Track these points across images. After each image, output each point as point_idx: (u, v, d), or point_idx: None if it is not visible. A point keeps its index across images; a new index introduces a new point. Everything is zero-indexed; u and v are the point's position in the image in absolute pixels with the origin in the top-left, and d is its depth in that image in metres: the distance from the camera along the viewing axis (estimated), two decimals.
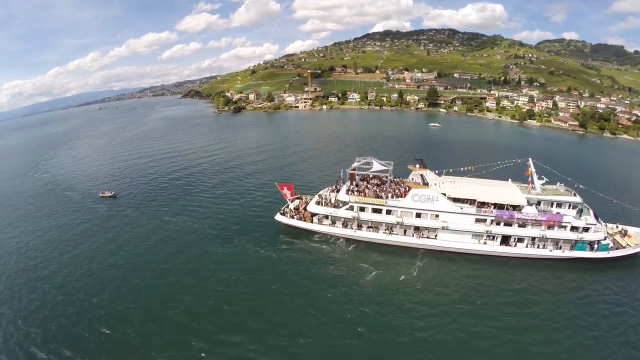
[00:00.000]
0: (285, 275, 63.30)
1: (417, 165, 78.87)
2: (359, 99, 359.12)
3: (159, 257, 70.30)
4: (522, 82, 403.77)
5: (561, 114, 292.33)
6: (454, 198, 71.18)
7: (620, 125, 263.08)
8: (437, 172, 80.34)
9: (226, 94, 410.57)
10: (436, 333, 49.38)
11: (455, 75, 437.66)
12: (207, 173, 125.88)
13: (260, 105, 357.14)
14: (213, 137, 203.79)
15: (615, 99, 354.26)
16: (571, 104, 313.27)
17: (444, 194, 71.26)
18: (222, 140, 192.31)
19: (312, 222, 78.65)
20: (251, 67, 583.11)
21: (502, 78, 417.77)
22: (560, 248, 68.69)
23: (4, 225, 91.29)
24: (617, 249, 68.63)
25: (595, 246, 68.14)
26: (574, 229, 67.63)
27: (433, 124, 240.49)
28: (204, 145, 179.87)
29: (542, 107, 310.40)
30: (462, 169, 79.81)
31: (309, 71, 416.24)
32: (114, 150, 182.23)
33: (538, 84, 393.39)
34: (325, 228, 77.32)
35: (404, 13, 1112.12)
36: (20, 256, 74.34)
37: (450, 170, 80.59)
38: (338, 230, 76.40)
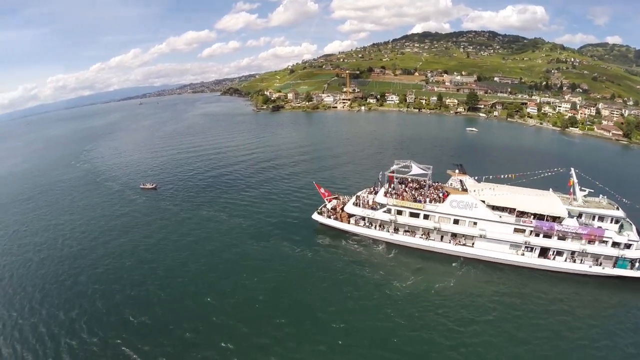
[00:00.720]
0: (318, 276, 63.79)
1: (457, 171, 78.55)
2: (398, 101, 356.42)
3: (196, 251, 72.28)
4: (564, 88, 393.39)
5: (604, 122, 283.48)
6: (493, 206, 70.11)
7: None
8: (476, 178, 79.72)
9: (265, 93, 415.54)
10: (469, 351, 48.30)
11: (496, 79, 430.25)
12: (245, 170, 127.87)
13: (299, 105, 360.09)
14: (252, 135, 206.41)
15: None
16: (615, 112, 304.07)
17: (483, 201, 70.27)
18: (260, 139, 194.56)
19: (348, 223, 79.07)
20: (290, 67, 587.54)
21: (544, 83, 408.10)
22: (600, 264, 65.63)
23: (48, 212, 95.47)
24: None
25: (637, 264, 64.91)
26: (615, 244, 64.72)
27: (470, 129, 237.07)
28: (242, 142, 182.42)
29: (585, 114, 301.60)
30: (502, 176, 79.22)
31: (347, 72, 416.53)
32: (154, 144, 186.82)
33: (580, 90, 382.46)
34: (361, 230, 77.69)
35: (442, 14, 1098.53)
36: (64, 243, 78.30)
37: (490, 177, 79.82)
38: (374, 232, 76.66)
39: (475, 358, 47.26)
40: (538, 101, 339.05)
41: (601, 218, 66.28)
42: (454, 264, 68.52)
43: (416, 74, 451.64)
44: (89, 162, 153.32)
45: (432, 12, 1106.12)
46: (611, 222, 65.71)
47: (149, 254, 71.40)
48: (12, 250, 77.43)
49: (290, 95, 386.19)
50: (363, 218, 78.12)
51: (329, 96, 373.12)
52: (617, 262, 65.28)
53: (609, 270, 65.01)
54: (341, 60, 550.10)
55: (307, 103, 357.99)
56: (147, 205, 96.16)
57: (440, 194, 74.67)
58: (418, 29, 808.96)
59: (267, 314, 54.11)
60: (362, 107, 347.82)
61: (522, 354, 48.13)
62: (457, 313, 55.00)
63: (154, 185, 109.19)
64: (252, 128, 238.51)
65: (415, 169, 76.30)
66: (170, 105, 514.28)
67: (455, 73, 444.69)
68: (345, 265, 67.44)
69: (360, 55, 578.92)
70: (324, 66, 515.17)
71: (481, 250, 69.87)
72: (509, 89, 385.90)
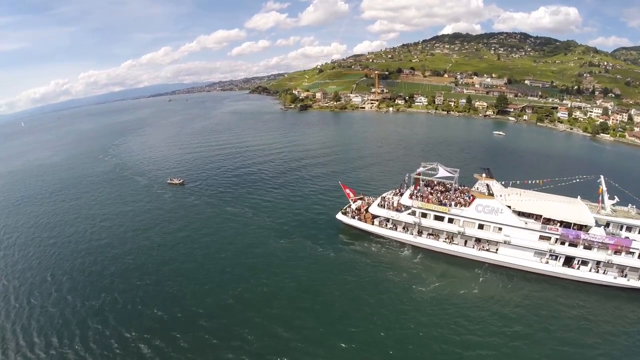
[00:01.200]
0: (339, 277, 64.26)
1: (484, 175, 77.99)
2: (426, 103, 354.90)
3: (220, 248, 73.77)
4: (596, 93, 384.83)
5: (637, 129, 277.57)
6: (519, 212, 69.45)
7: None
8: (503, 183, 79.03)
9: (293, 92, 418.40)
10: (485, 357, 48.30)
11: (526, 82, 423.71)
12: (272, 168, 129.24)
13: (327, 104, 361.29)
14: (279, 134, 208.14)
15: None
16: None
17: (509, 207, 69.70)
18: (287, 137, 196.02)
19: (372, 224, 79.46)
20: (318, 66, 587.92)
21: (575, 87, 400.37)
22: (626, 276, 64.56)
23: (77, 205, 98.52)
24: None
25: None
26: None
27: (497, 132, 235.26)
28: (269, 141, 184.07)
29: (617, 120, 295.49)
30: (529, 181, 78.56)
31: (376, 72, 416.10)
32: (182, 140, 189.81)
33: (613, 95, 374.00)
34: (385, 231, 77.99)
35: (473, 15, 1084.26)
36: (93, 235, 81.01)
37: (517, 182, 78.93)
38: (398, 234, 76.90)
39: None
40: (569, 106, 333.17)
41: (629, 228, 64.69)
42: (477, 270, 68.18)
43: (445, 75, 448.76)
44: (117, 156, 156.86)
45: (462, 13, 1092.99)
46: (639, 233, 64.24)
47: (174, 250, 73.15)
48: (42, 241, 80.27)
49: (318, 95, 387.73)
50: (387, 220, 78.41)
51: (357, 96, 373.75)
52: None
53: (634, 282, 63.76)
54: (370, 60, 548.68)
55: (335, 103, 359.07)
56: (174, 200, 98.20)
57: (466, 198, 74.52)
58: (448, 29, 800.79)
59: (287, 313, 54.92)
60: (390, 108, 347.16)
61: None
62: (478, 322, 54.75)
63: (181, 181, 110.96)
64: (279, 127, 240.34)
65: (442, 172, 76.02)
66: (198, 103, 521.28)
67: (485, 75, 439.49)
68: (367, 267, 67.85)
69: (389, 56, 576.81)
70: (352, 66, 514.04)
71: (505, 256, 69.38)
72: (540, 93, 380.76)
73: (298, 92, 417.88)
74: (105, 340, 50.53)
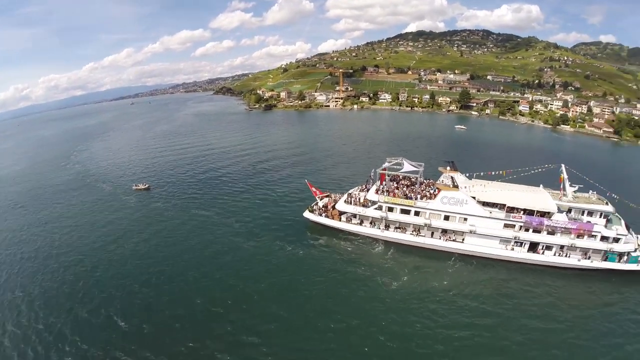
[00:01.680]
0: (310, 275, 63.55)
1: (448, 168, 78.77)
2: (390, 100, 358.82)
3: (187, 253, 71.61)
4: (557, 86, 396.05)
5: (596, 119, 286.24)
6: (484, 202, 70.66)
7: None
8: (467, 175, 79.94)
9: (257, 92, 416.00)
10: (458, 348, 48.37)
11: (489, 77, 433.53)
12: (237, 169, 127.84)
13: (291, 104, 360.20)
14: (244, 134, 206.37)
15: None
16: (606, 110, 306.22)
17: (474, 198, 70.79)
18: (253, 138, 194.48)
19: (340, 220, 79.29)
20: (283, 66, 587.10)
21: (536, 81, 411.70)
22: (589, 258, 67.04)
23: (39, 218, 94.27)
24: None
25: (625, 258, 66.16)
26: (604, 238, 65.85)
27: (459, 127, 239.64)
28: (235, 141, 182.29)
29: (576, 112, 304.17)
30: (493, 172, 79.29)
31: (340, 70, 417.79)
32: (146, 144, 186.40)
33: (573, 88, 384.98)
34: (352, 227, 77.87)
35: (437, 13, 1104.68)
36: (53, 244, 77.55)
37: (481, 173, 79.67)
38: (365, 229, 76.87)
39: (464, 351, 47.51)
40: (530, 99, 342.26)
41: (590, 213, 66.97)
42: (447, 262, 68.78)
43: (409, 72, 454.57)
44: (80, 163, 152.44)
45: (427, 11, 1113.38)
46: (600, 217, 66.44)
47: (142, 259, 70.39)
48: (2, 259, 75.26)
49: (282, 94, 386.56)
50: (354, 215, 78.27)
51: (321, 95, 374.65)
52: (606, 255, 66.43)
53: (597, 263, 66.32)
54: (335, 59, 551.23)
55: (299, 102, 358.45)
56: (140, 206, 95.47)
57: (432, 191, 75.06)
58: (412, 27, 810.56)
59: (258, 314, 53.84)
60: (355, 106, 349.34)
61: (515, 353, 48.36)
62: (450, 312, 55.04)
63: (147, 186, 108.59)
64: (244, 127, 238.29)
65: (407, 166, 76.35)
66: (162, 105, 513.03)
67: (448, 71, 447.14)
68: (337, 263, 67.38)
69: (354, 54, 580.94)
70: (317, 65, 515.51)
71: (471, 245, 70.62)
72: (502, 87, 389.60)
73: (262, 92, 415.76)
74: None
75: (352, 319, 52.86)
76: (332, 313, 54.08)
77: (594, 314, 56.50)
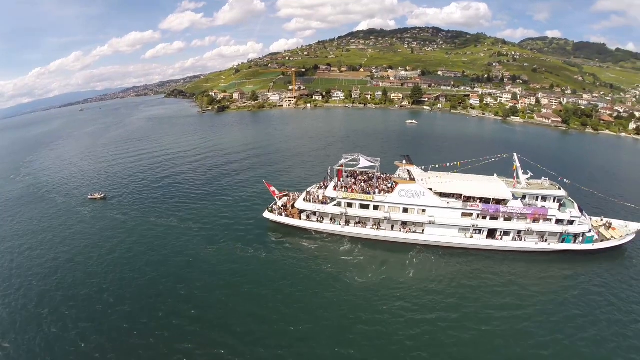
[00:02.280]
0: (273, 276, 62.38)
1: (404, 162, 79.59)
2: (343, 97, 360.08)
3: (146, 261, 68.70)
4: (506, 80, 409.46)
5: (544, 110, 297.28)
6: (441, 193, 71.73)
7: (602, 121, 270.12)
8: (423, 167, 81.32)
9: (210, 94, 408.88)
10: (430, 341, 48.46)
11: (439, 73, 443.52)
12: (194, 173, 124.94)
13: (244, 105, 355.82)
14: (198, 137, 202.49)
15: (597, 95, 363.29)
16: (554, 101, 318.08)
17: (431, 189, 71.81)
18: (207, 140, 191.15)
19: (300, 219, 78.77)
20: (235, 66, 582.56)
21: (486, 76, 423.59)
22: (546, 241, 70.12)
23: None
24: (601, 241, 70.19)
25: (580, 239, 69.71)
26: (559, 222, 68.91)
27: (410, 121, 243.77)
28: (190, 145, 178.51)
29: (525, 104, 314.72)
30: (448, 164, 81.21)
31: (293, 70, 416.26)
32: (98, 152, 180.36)
33: (521, 82, 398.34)
34: (312, 225, 77.44)
35: (388, 11, 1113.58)
36: (11, 265, 72.22)
37: (437, 166, 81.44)
38: (326, 226, 76.57)
39: (437, 347, 47.50)
40: (480, 93, 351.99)
41: (544, 198, 70.11)
42: (410, 254, 69.28)
43: (361, 70, 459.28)
44: (31, 174, 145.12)
45: (378, 10, 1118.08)
46: (554, 202, 69.66)
47: (101, 271, 66.26)
48: None
49: (235, 95, 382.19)
50: (314, 213, 77.82)
51: (274, 95, 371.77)
52: (561, 237, 69.74)
53: (554, 245, 69.85)
54: (287, 58, 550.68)
55: (252, 102, 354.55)
56: (97, 217, 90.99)
57: (389, 185, 75.55)
58: (364, 26, 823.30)
59: (222, 322, 52.25)
60: (308, 105, 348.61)
61: (482, 337, 49.01)
62: (417, 303, 55.40)
63: (102, 195, 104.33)
64: (198, 130, 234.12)
65: (364, 162, 76.59)
66: (113, 110, 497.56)
67: (399, 68, 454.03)
68: (301, 263, 66.54)
69: (306, 53, 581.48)
70: (269, 65, 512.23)
71: (432, 236, 71.79)
72: (452, 82, 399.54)
73: (215, 93, 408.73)
74: None
75: (319, 319, 52.23)
76: (299, 314, 53.32)
77: (556, 293, 58.76)
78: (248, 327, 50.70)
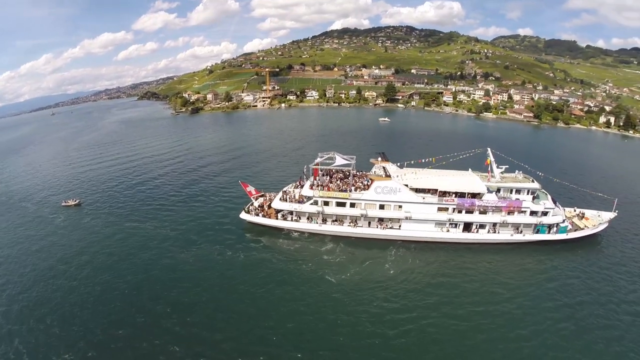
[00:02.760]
0: (253, 278, 61.43)
1: (379, 159, 79.59)
2: (318, 97, 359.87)
3: (123, 269, 66.26)
4: (478, 77, 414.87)
5: (516, 106, 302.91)
6: (416, 189, 72.45)
7: (573, 116, 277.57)
8: (398, 164, 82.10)
9: (183, 95, 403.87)
10: (414, 337, 48.43)
11: (413, 71, 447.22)
12: (169, 176, 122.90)
13: (218, 105, 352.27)
14: (173, 140, 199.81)
15: (568, 91, 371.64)
16: (526, 97, 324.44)
17: (406, 185, 72.34)
18: (181, 143, 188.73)
19: (277, 218, 78.39)
20: (208, 67, 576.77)
21: (459, 73, 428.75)
22: (521, 232, 71.82)
23: None
24: (575, 230, 72.65)
25: (554, 229, 71.84)
26: (533, 213, 70.79)
27: (382, 119, 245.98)
28: (163, 148, 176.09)
29: (498, 100, 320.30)
30: (423, 160, 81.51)
31: (267, 70, 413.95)
32: (71, 157, 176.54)
33: (493, 78, 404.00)
34: (290, 224, 77.17)
35: (362, 11, 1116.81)
36: None
37: (412, 162, 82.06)
38: (303, 225, 76.42)
39: (419, 344, 47.54)
40: (453, 90, 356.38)
41: (518, 191, 71.86)
42: (389, 250, 69.65)
43: (335, 69, 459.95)
44: (1, 182, 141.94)
45: (352, 9, 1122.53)
46: (527, 194, 71.55)
47: (76, 279, 64.13)
48: None
49: (209, 96, 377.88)
50: (291, 212, 77.50)
51: (248, 95, 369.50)
52: (536, 228, 71.76)
53: (529, 236, 72.19)
54: (261, 58, 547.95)
55: (226, 103, 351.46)
56: (71, 224, 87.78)
57: (365, 182, 75.72)
58: (338, 25, 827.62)
59: (203, 325, 51.23)
60: (282, 105, 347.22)
61: (463, 331, 49.41)
62: (398, 299, 55.48)
63: (77, 202, 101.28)
64: (172, 132, 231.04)
65: (339, 160, 76.75)
66: (85, 114, 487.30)
67: (373, 67, 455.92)
68: (280, 263, 65.89)
69: (279, 53, 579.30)
70: (243, 65, 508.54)
71: (408, 231, 72.56)
72: (426, 80, 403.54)
73: (188, 95, 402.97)
74: None
75: (300, 319, 51.86)
76: (280, 314, 52.84)
77: (532, 283, 60.48)
78: (226, 331, 49.99)
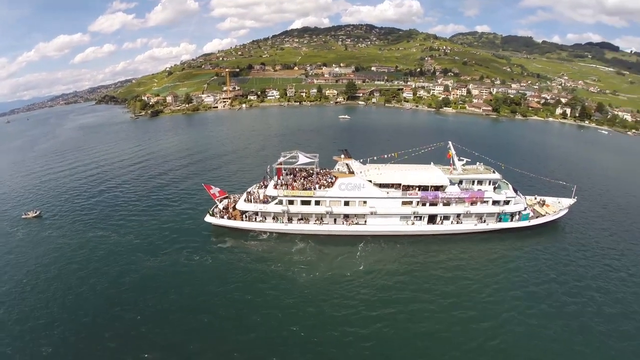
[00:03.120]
0: (222, 282, 60.16)
1: (342, 156, 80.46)
2: (279, 96, 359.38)
3: (90, 281, 62.77)
4: (437, 73, 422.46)
5: (475, 100, 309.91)
6: (380, 184, 72.98)
7: (530, 108, 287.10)
8: (361, 160, 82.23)
9: (143, 98, 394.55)
10: (388, 332, 48.34)
11: (373, 68, 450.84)
12: (132, 182, 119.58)
13: (179, 108, 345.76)
14: (133, 145, 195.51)
15: (525, 84, 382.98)
16: (484, 91, 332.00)
17: (370, 181, 72.86)
18: (143, 147, 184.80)
19: (242, 220, 77.61)
20: (168, 69, 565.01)
21: (418, 70, 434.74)
22: (485, 221, 73.90)
23: None
24: (537, 217, 75.74)
25: (517, 217, 74.41)
26: (495, 203, 73.08)
27: (342, 117, 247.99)
28: (124, 153, 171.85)
29: (457, 95, 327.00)
30: (385, 156, 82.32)
31: (227, 70, 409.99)
32: (29, 166, 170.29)
33: (452, 74, 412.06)
34: (255, 225, 76.37)
35: (322, 10, 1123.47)
36: None
37: (375, 158, 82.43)
38: (269, 225, 75.74)
39: (390, 340, 47.43)
40: (413, 86, 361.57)
41: (480, 182, 74.17)
42: (356, 246, 69.81)
43: (296, 68, 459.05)
44: None
45: (312, 8, 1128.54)
46: (489, 184, 74.03)
47: (38, 298, 59.76)
48: None
49: (169, 99, 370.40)
50: (256, 213, 76.81)
51: (209, 96, 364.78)
52: (499, 217, 74.08)
53: (493, 225, 74.66)
54: (220, 59, 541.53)
55: (187, 105, 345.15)
56: (32, 237, 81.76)
57: (329, 179, 75.82)
58: (298, 24, 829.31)
59: (173, 333, 49.68)
60: (243, 105, 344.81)
61: (436, 321, 50.10)
62: (369, 298, 55.21)
63: (37, 213, 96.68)
64: (132, 137, 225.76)
65: (302, 159, 76.56)
66: (42, 120, 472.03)
67: (333, 65, 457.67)
68: (249, 265, 64.76)
69: (240, 53, 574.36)
70: (203, 66, 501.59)
71: (374, 226, 73.31)
72: (386, 77, 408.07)
73: (148, 97, 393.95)
74: None
75: (271, 321, 50.96)
76: (250, 317, 51.96)
77: (499, 269, 62.55)
78: (197, 338, 48.97)
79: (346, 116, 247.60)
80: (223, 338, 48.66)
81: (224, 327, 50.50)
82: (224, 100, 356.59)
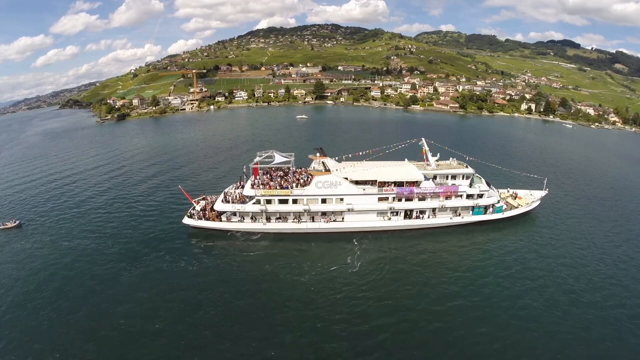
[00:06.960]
0: (209, 286, 58.86)
1: (318, 154, 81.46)
2: (247, 97, 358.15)
3: (71, 294, 59.37)
4: (404, 71, 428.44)
5: (442, 97, 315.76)
6: (356, 181, 74.32)
7: (496, 104, 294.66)
8: (337, 158, 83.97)
9: (108, 101, 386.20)
10: (379, 336, 48.06)
11: (340, 68, 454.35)
12: (105, 188, 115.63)
13: (146, 111, 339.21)
14: (101, 150, 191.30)
15: (490, 81, 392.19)
16: (450, 89, 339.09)
17: (346, 178, 74.03)
18: (111, 152, 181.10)
19: (220, 220, 77.75)
20: (133, 71, 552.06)
21: (385, 68, 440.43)
22: (460, 215, 76.53)
23: None
24: (510, 209, 79.21)
25: (491, 209, 77.38)
26: (469, 196, 75.56)
27: (300, 117, 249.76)
28: (93, 159, 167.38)
29: (424, 93, 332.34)
30: (360, 153, 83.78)
31: (193, 71, 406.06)
32: None
33: (419, 72, 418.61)
34: (234, 225, 76.55)
35: (288, 9, 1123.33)
36: None
37: (350, 155, 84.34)
38: (247, 225, 76.01)
39: (382, 340, 47.58)
40: (381, 85, 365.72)
41: (454, 177, 76.63)
42: (335, 243, 71.37)
43: (263, 68, 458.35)
44: None
45: (278, 8, 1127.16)
46: (463, 179, 76.49)
47: (16, 314, 56.23)
48: None
49: (135, 102, 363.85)
50: (234, 213, 76.95)
51: (176, 99, 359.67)
52: (473, 210, 77.00)
53: (468, 218, 77.53)
54: (186, 60, 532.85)
55: (154, 108, 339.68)
56: (12, 249, 76.67)
57: (306, 178, 76.53)
58: (264, 24, 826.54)
59: (159, 343, 48.47)
60: (211, 107, 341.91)
61: (418, 312, 51.33)
62: (354, 296, 55.44)
63: (16, 223, 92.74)
64: (100, 142, 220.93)
65: (279, 158, 77.08)
66: (4, 127, 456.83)
67: (300, 65, 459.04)
68: (232, 267, 64.00)
69: (205, 54, 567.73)
70: (168, 67, 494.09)
71: (351, 222, 74.67)
72: (353, 76, 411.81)
73: (113, 101, 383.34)
74: None
75: (258, 324, 50.69)
76: (238, 321, 51.42)
77: (476, 260, 65.04)
78: (187, 345, 48.35)
79: (304, 116, 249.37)
80: (210, 345, 48.46)
81: (215, 337, 49.79)
82: (192, 102, 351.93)
